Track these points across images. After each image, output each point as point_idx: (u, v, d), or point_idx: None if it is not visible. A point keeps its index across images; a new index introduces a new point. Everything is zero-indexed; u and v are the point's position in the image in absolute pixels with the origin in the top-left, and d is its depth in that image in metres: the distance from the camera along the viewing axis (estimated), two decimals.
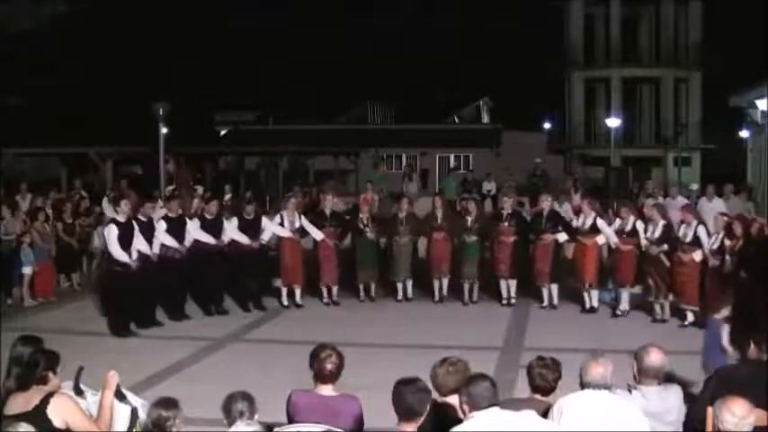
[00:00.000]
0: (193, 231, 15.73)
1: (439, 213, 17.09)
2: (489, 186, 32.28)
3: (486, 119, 55.31)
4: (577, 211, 17.10)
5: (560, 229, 16.18)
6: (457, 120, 55.43)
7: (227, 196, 21.26)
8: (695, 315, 14.40)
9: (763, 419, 6.13)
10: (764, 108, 22.22)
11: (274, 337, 14.47)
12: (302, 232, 16.86)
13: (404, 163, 44.47)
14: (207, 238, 15.80)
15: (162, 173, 21.58)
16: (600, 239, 15.82)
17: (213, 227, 16.00)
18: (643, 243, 15.22)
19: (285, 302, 16.64)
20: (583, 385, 6.14)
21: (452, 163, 46.89)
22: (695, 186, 25.39)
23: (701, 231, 14.66)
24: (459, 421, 5.67)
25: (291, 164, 35.73)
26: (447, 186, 31.80)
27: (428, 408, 5.71)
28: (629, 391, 6.54)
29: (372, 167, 34.84)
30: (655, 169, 47.55)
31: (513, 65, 55.01)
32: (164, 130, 21.31)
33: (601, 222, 15.82)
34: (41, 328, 13.35)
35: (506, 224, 16.48)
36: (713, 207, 18.45)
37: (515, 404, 6.18)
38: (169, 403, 5.65)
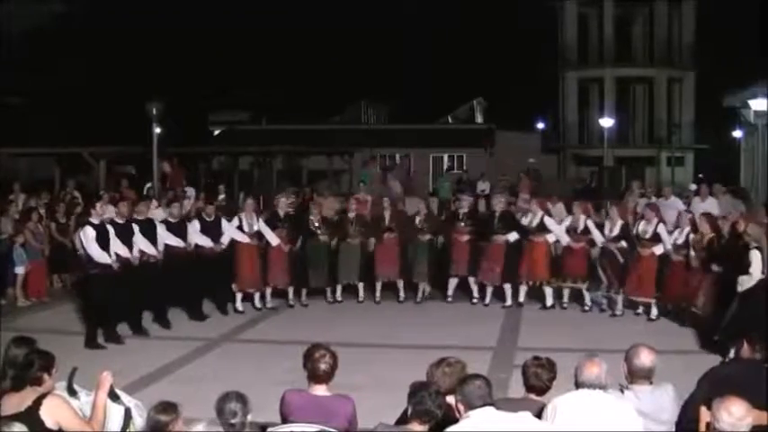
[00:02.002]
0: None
1: (387, 214, 17.21)
2: (483, 186, 32.27)
3: (479, 119, 55.39)
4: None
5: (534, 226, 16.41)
6: (451, 120, 55.50)
7: (221, 197, 21.22)
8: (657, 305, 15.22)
9: (760, 419, 6.16)
10: (757, 108, 22.27)
11: (268, 338, 14.45)
12: (260, 235, 16.34)
13: (397, 162, 44.54)
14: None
15: (155, 173, 21.58)
16: (550, 237, 16.25)
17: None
18: (599, 240, 15.70)
19: (240, 308, 16.19)
20: (578, 385, 6.16)
21: (446, 163, 46.92)
22: (693, 187, 25.46)
23: (661, 228, 15.26)
24: (456, 421, 5.69)
25: (285, 164, 35.73)
26: (442, 186, 31.84)
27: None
28: (622, 391, 6.56)
29: (362, 166, 34.79)
30: (648, 169, 47.61)
31: (506, 65, 55.04)
32: (157, 130, 21.30)
33: (548, 221, 16.28)
34: (35, 328, 13.33)
35: (462, 224, 16.72)
36: (706, 207, 18.51)
37: (510, 404, 6.21)
38: (169, 407, 5.65)
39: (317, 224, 16.80)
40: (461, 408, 5.70)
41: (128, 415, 6.37)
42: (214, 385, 6.97)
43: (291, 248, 16.47)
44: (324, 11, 57.49)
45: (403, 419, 6.04)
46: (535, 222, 16.31)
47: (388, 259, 16.90)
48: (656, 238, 15.20)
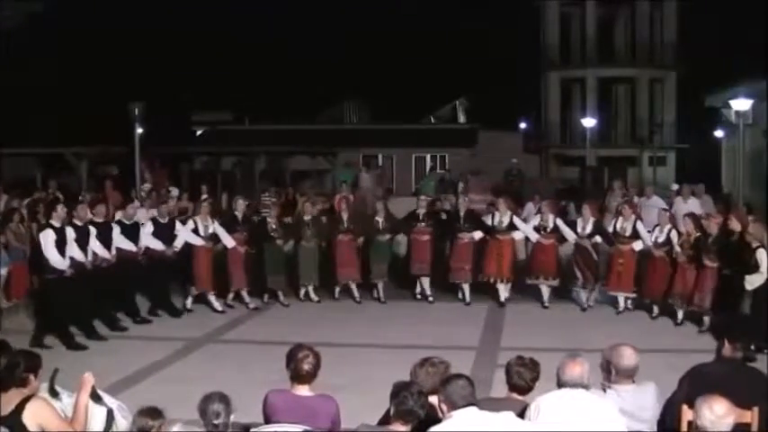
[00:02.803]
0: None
1: (345, 215, 17.31)
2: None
3: (462, 119, 55.30)
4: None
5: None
6: (433, 120, 55.42)
7: (204, 197, 21.16)
8: (634, 299, 15.74)
9: (743, 418, 6.19)
10: (738, 108, 22.33)
11: (251, 338, 14.45)
12: (215, 238, 16.26)
13: (380, 163, 44.42)
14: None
15: (137, 173, 21.51)
16: (517, 236, 16.65)
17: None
18: (572, 237, 16.11)
19: (189, 306, 16.14)
20: (560, 384, 6.18)
21: (429, 163, 46.86)
22: (675, 186, 25.63)
23: (639, 225, 15.78)
24: (439, 421, 5.70)
25: (268, 164, 35.65)
26: (425, 186, 31.82)
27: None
28: (604, 390, 6.58)
29: (344, 166, 34.73)
30: (630, 169, 47.71)
31: (489, 65, 55.06)
32: (139, 131, 21.24)
33: (517, 220, 16.73)
34: (16, 329, 13.33)
35: (423, 224, 16.94)
36: (688, 207, 18.63)
37: (493, 403, 6.22)
38: (155, 412, 5.63)
39: (273, 227, 16.76)
40: (444, 408, 5.71)
41: (110, 416, 6.35)
42: (197, 386, 6.94)
43: (248, 251, 16.42)
44: (306, 11, 57.50)
45: (385, 420, 6.04)
46: (505, 221, 16.51)
47: (346, 261, 16.97)
48: (635, 235, 15.57)
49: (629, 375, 6.63)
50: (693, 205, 19.00)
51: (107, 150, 29.96)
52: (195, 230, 16.03)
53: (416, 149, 47.12)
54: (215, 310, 16.09)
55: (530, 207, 20.08)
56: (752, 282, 12.78)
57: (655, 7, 51.05)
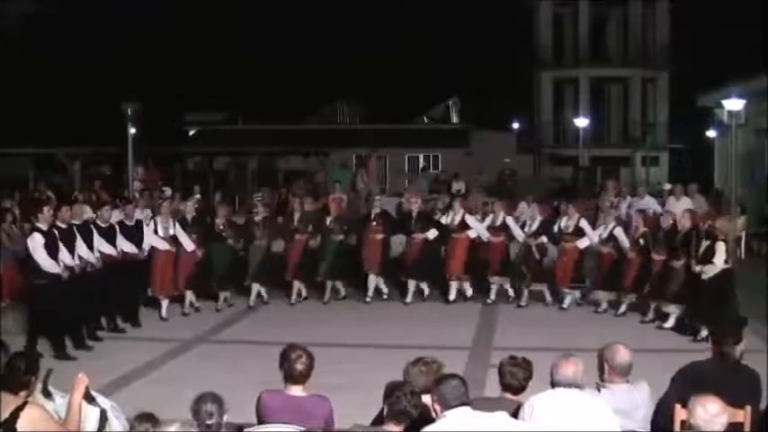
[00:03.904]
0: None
1: (296, 215, 17.33)
2: (458, 186, 32.28)
3: (455, 119, 55.29)
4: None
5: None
6: (426, 120, 55.40)
7: (197, 197, 21.13)
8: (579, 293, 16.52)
9: (736, 417, 6.20)
10: (731, 108, 22.34)
11: (244, 338, 14.45)
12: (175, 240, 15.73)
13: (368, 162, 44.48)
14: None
15: (130, 174, 21.47)
16: (471, 234, 16.99)
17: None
18: (519, 236, 16.69)
19: (164, 315, 15.58)
20: (554, 384, 6.18)
21: (422, 163, 46.89)
22: (668, 186, 25.76)
23: (583, 223, 16.52)
24: (432, 421, 5.70)
25: (261, 164, 35.62)
26: (418, 186, 31.86)
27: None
28: (598, 389, 6.58)
29: (338, 167, 34.73)
30: (623, 169, 47.74)
31: (482, 65, 55.01)
32: (132, 131, 21.20)
33: (470, 219, 17.10)
34: (8, 330, 13.27)
35: (374, 223, 17.24)
36: (680, 206, 18.68)
37: (486, 403, 6.22)
38: (151, 417, 5.61)
39: (221, 227, 16.56)
40: (438, 407, 5.71)
41: (104, 417, 6.35)
42: (190, 386, 6.94)
43: (195, 252, 16.01)
44: (299, 11, 57.44)
45: (379, 420, 6.04)
46: (457, 220, 16.94)
47: (297, 260, 16.99)
48: (580, 233, 16.30)
49: (624, 373, 6.64)
50: (686, 205, 19.04)
51: (100, 150, 29.90)
52: (155, 232, 15.51)
53: (409, 149, 47.15)
54: (161, 317, 15.57)
55: (522, 207, 20.11)
56: (707, 271, 13.74)
57: (647, 7, 51.13)
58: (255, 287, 16.83)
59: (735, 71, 28.75)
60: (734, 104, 22.18)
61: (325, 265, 17.08)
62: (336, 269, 17.23)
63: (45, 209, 13.38)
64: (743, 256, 22.78)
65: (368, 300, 17.13)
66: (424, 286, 17.31)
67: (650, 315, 15.10)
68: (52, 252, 12.86)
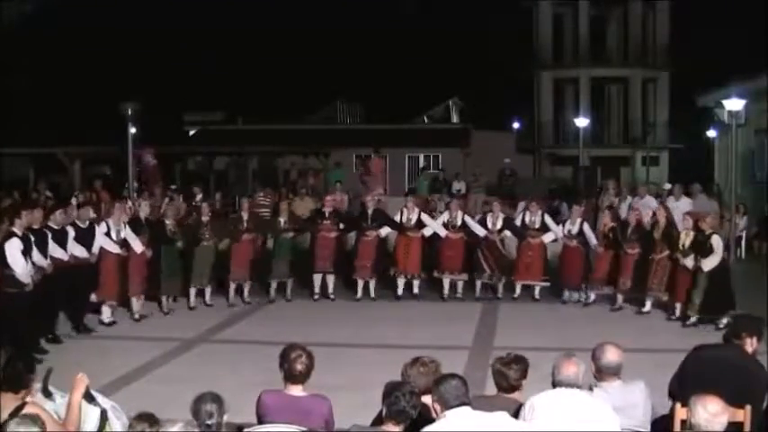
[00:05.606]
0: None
1: (245, 215, 17.30)
2: (459, 186, 32.32)
3: (455, 119, 55.28)
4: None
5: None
6: (426, 120, 55.40)
7: (198, 197, 21.11)
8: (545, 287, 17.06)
9: (736, 416, 6.20)
10: (731, 108, 22.39)
11: (244, 338, 14.43)
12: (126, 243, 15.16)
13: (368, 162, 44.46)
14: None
15: (130, 173, 21.46)
16: (427, 232, 17.33)
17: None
18: (481, 233, 16.99)
19: (106, 320, 14.97)
20: (555, 384, 6.17)
21: (422, 163, 46.91)
22: (668, 186, 25.80)
23: (548, 218, 17.26)
24: (432, 421, 5.69)
25: (261, 164, 35.65)
26: (420, 186, 31.92)
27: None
28: (591, 388, 6.57)
29: (335, 166, 34.71)
30: (623, 169, 47.73)
31: (482, 65, 55.01)
32: (132, 130, 21.20)
33: (425, 217, 17.57)
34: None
35: (328, 221, 17.27)
36: (679, 206, 18.71)
37: (486, 402, 6.21)
38: (151, 417, 5.61)
39: (172, 229, 16.13)
40: (437, 407, 5.70)
41: (104, 417, 6.34)
42: (190, 386, 6.94)
43: (144, 254, 15.48)
44: (299, 10, 57.45)
45: (378, 420, 6.03)
46: (414, 219, 17.22)
47: (243, 261, 16.86)
48: (545, 228, 16.93)
49: (612, 373, 6.64)
50: (685, 205, 19.09)
51: (100, 150, 29.92)
52: (108, 234, 14.91)
53: (409, 149, 47.14)
54: (101, 322, 14.93)
55: (522, 206, 20.15)
56: (708, 264, 14.43)
57: (647, 7, 51.12)
58: (232, 286, 16.88)
59: (735, 71, 28.77)
60: (734, 104, 22.23)
61: (276, 264, 17.05)
62: (287, 268, 17.15)
63: (23, 213, 12.85)
64: (743, 255, 22.81)
65: (315, 298, 17.22)
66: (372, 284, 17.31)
67: (647, 307, 15.74)
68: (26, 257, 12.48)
